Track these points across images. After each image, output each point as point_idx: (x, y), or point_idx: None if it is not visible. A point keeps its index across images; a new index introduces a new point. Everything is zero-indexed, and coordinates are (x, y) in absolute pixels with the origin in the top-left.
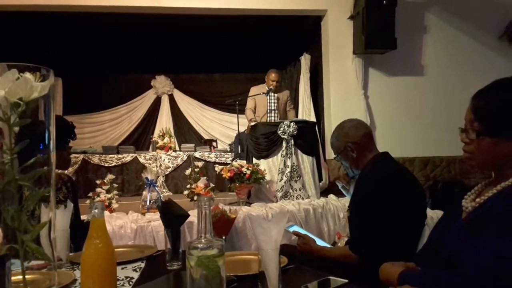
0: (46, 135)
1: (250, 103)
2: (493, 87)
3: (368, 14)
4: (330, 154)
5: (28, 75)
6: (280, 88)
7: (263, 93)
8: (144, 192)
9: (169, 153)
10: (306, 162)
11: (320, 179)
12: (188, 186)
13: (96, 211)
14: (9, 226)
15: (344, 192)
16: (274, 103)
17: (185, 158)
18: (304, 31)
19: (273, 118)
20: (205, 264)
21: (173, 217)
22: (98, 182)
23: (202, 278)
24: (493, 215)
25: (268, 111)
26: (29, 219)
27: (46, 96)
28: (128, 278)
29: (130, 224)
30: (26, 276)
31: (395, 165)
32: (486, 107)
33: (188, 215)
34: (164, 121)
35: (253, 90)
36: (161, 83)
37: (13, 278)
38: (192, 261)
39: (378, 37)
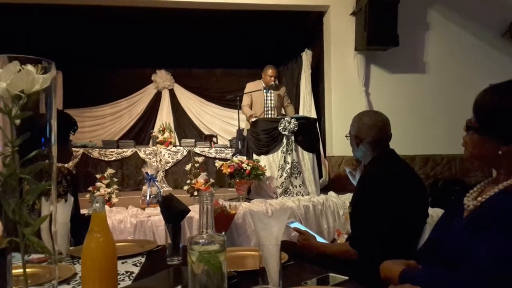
0: (48, 128)
1: (246, 100)
2: (497, 87)
3: (371, 11)
4: (330, 151)
5: (29, 67)
6: (277, 84)
7: (264, 88)
8: (144, 187)
9: (169, 148)
10: (307, 158)
11: (320, 176)
12: (188, 181)
13: (97, 205)
14: (10, 219)
15: (350, 177)
16: (272, 100)
17: (185, 153)
18: (306, 27)
19: (270, 115)
20: (207, 259)
21: (173, 212)
22: (98, 176)
23: (204, 273)
24: (495, 213)
25: (266, 108)
26: (29, 213)
27: (48, 88)
28: (129, 273)
29: (130, 219)
30: (27, 270)
31: (399, 163)
32: (482, 104)
33: (188, 210)
34: (165, 116)
35: (250, 86)
36: (162, 78)
37: (13, 271)
38: (194, 256)
39: (380, 33)
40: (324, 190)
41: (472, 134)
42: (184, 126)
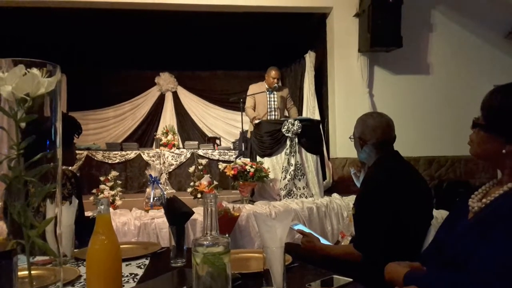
0: (52, 131)
1: (249, 102)
2: (505, 87)
3: (374, 12)
4: (334, 152)
5: (35, 70)
6: (280, 86)
7: (267, 89)
8: (147, 189)
9: (172, 150)
10: (310, 160)
11: (324, 178)
12: (192, 183)
13: (102, 207)
14: (16, 221)
15: (354, 179)
16: (275, 102)
17: (188, 155)
18: (309, 29)
19: (273, 117)
20: (211, 261)
21: (177, 214)
22: (101, 178)
23: (208, 275)
24: (500, 215)
25: (270, 110)
26: (34, 215)
27: (53, 92)
28: (133, 275)
29: (133, 221)
30: (32, 272)
31: (403, 165)
32: (489, 104)
33: (192, 212)
34: (168, 118)
35: (253, 88)
36: (165, 80)
37: (19, 273)
38: (198, 258)
39: (383, 35)
40: (327, 192)
41: (478, 132)
42: (188, 128)
